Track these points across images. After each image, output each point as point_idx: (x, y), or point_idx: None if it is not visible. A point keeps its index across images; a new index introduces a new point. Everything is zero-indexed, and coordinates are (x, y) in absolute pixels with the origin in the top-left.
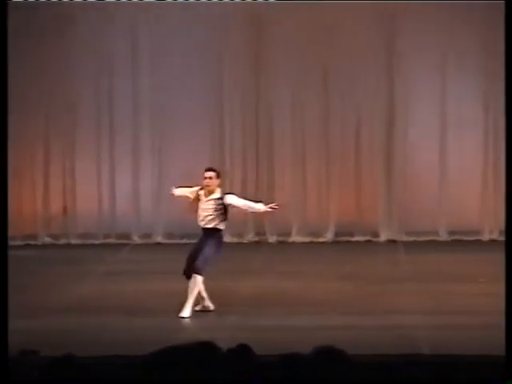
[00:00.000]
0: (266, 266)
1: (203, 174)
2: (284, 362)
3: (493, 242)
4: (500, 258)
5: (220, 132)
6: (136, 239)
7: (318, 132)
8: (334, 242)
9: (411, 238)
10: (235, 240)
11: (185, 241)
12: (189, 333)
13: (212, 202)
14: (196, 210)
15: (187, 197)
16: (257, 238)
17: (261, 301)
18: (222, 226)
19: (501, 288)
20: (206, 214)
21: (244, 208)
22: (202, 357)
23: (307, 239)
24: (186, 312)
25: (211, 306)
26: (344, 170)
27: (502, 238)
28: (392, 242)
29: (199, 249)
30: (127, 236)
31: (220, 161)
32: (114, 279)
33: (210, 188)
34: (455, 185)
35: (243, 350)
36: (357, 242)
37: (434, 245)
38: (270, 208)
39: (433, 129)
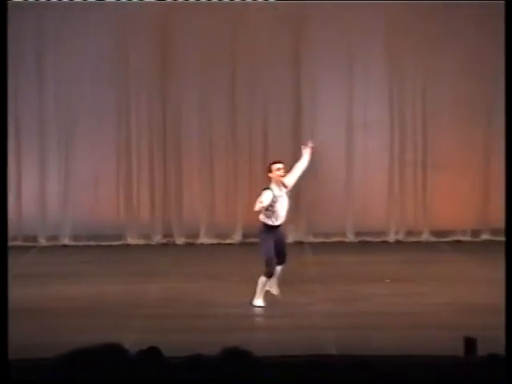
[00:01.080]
0: (173, 268)
1: (269, 169)
2: (191, 364)
3: (398, 242)
4: (405, 258)
5: (127, 134)
6: (42, 241)
7: (225, 134)
8: (242, 244)
9: (318, 240)
10: (142, 242)
11: (92, 243)
12: (92, 333)
13: (286, 196)
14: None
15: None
16: (164, 240)
17: (168, 303)
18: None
19: (407, 288)
20: (285, 209)
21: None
22: (110, 359)
23: (215, 241)
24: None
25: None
26: (251, 172)
27: (408, 239)
28: (299, 243)
29: (279, 244)
30: (33, 238)
31: (127, 163)
32: (20, 282)
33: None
34: (361, 186)
35: (152, 352)
36: None
37: (341, 246)
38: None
39: (339, 130)
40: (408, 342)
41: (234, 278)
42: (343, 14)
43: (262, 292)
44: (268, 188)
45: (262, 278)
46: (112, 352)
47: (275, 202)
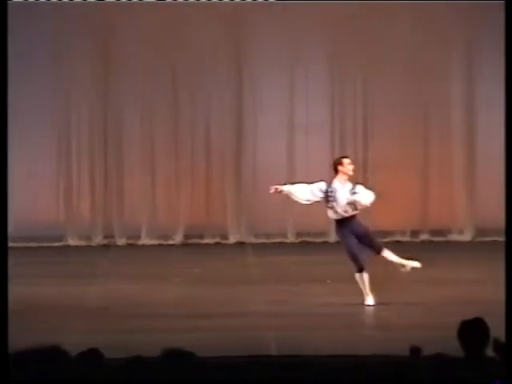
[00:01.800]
0: (114, 269)
1: (340, 162)
2: (132, 365)
3: (339, 243)
4: (345, 258)
5: (67, 133)
6: None
7: (167, 134)
8: (184, 245)
9: (260, 240)
10: (83, 243)
11: (32, 244)
12: (31, 335)
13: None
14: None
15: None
16: (105, 241)
17: (109, 304)
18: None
19: (347, 288)
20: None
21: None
22: (49, 361)
23: (156, 242)
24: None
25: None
26: (194, 173)
27: None
28: (241, 244)
29: (361, 236)
30: None
31: (67, 163)
32: None
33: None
34: None
35: (93, 353)
36: (206, 244)
37: (282, 247)
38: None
39: (281, 131)
40: (348, 341)
41: (176, 279)
42: (284, 14)
43: (367, 288)
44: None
45: (356, 275)
46: (51, 354)
47: (332, 192)
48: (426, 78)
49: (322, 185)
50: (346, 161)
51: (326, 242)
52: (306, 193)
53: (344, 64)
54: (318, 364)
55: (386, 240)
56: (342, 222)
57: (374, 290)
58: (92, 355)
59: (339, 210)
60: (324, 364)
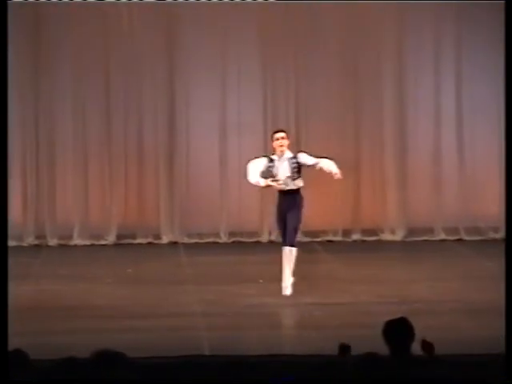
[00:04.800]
0: (46, 270)
1: (271, 138)
2: (63, 366)
3: (272, 243)
4: (278, 258)
5: None
6: None
7: (99, 134)
8: (116, 245)
9: (192, 240)
10: (14, 243)
11: None
12: None
13: (287, 163)
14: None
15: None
16: (37, 242)
17: (40, 305)
18: (301, 183)
19: (280, 288)
20: (285, 175)
21: (318, 167)
22: None
23: (89, 242)
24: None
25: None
26: (126, 173)
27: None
28: (174, 243)
29: (286, 217)
30: None
31: None
32: None
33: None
34: (235, 187)
35: (19, 355)
36: (139, 244)
37: (215, 247)
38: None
39: (214, 131)
40: (280, 341)
41: (108, 280)
42: (217, 12)
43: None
44: (265, 156)
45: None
46: None
47: (271, 167)
48: (359, 78)
49: (264, 160)
50: (274, 136)
51: (258, 242)
52: (256, 174)
53: (277, 64)
54: (250, 364)
55: (318, 240)
56: (281, 195)
57: (306, 289)
58: (17, 356)
59: (281, 183)
60: (256, 364)
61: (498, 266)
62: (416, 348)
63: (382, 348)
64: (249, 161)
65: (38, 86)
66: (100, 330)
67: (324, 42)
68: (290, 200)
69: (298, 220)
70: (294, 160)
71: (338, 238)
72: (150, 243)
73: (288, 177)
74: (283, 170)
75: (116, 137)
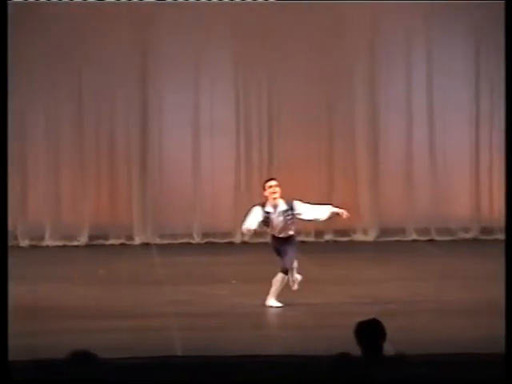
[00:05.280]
0: (17, 271)
1: (263, 186)
2: (37, 367)
3: (244, 243)
4: (251, 259)
5: None
6: None
7: (72, 135)
8: (89, 246)
9: (165, 241)
10: None
11: None
12: None
13: (282, 218)
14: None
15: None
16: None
17: (12, 307)
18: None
19: (253, 288)
20: (282, 224)
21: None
22: None
23: (60, 243)
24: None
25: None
26: (99, 173)
27: (254, 240)
28: (146, 244)
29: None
30: None
31: None
32: None
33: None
34: (208, 188)
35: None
36: (111, 245)
37: (188, 247)
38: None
39: (186, 132)
40: (254, 342)
41: (79, 281)
42: (189, 14)
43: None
44: (260, 205)
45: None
46: None
47: (268, 218)
48: (331, 77)
49: (258, 214)
50: (267, 184)
51: (231, 243)
52: (253, 223)
53: (249, 64)
54: (222, 364)
55: None
56: (276, 239)
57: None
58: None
59: (276, 233)
60: (230, 364)
61: (468, 265)
62: (388, 348)
63: (355, 348)
64: (246, 212)
65: (10, 87)
66: (72, 331)
67: (296, 42)
68: (283, 242)
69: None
70: (290, 213)
71: (311, 239)
72: (122, 244)
73: (282, 228)
74: (278, 222)
75: (88, 138)
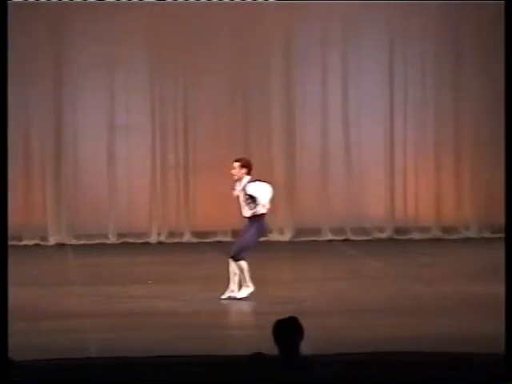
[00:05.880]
0: None
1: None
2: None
3: (161, 244)
4: (167, 259)
5: None
6: None
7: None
8: None
9: (80, 242)
10: None
11: None
12: None
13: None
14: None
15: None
16: None
17: None
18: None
19: (169, 288)
20: (242, 203)
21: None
22: None
23: None
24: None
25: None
26: (13, 175)
27: (170, 240)
28: (61, 245)
29: (241, 236)
30: None
31: None
32: None
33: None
34: (124, 188)
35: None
36: (25, 245)
37: (104, 248)
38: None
39: (101, 133)
40: (170, 342)
41: None
42: (104, 15)
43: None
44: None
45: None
46: None
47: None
48: (246, 80)
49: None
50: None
51: (147, 243)
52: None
53: (164, 63)
54: (138, 365)
55: (207, 241)
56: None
57: (194, 290)
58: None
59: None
60: (147, 364)
61: (383, 265)
62: (304, 348)
63: (272, 348)
64: None
65: None
66: None
67: (211, 41)
68: (246, 224)
69: (246, 240)
70: (244, 191)
71: (227, 239)
72: (36, 245)
73: (242, 206)
74: (240, 199)
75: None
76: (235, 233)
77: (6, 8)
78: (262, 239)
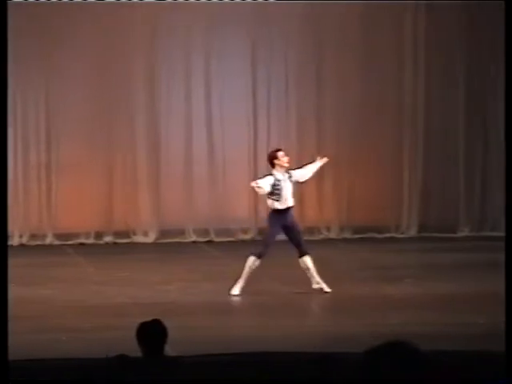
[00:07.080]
0: None
1: (274, 155)
2: None
3: (22, 246)
4: (29, 261)
5: None
6: None
7: None
8: None
9: None
10: None
11: None
12: None
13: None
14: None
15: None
16: None
17: None
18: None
19: (32, 291)
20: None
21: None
22: None
23: None
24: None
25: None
26: None
27: (32, 243)
28: None
29: (291, 230)
30: None
31: None
32: None
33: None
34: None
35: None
36: None
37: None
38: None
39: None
40: (37, 345)
41: None
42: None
43: (244, 277)
44: (270, 174)
45: (251, 258)
46: None
47: (279, 185)
48: (111, 81)
49: (270, 179)
50: (279, 154)
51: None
52: (267, 186)
53: (27, 67)
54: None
55: (70, 243)
56: (280, 213)
57: (58, 293)
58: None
59: (283, 200)
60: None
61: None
62: (168, 349)
63: (136, 350)
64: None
65: None
66: None
67: (74, 44)
68: (287, 215)
69: (299, 231)
70: (292, 179)
71: (90, 241)
72: None
73: (291, 195)
74: (288, 188)
75: None
76: (98, 235)
77: (6, 8)
78: (125, 241)
